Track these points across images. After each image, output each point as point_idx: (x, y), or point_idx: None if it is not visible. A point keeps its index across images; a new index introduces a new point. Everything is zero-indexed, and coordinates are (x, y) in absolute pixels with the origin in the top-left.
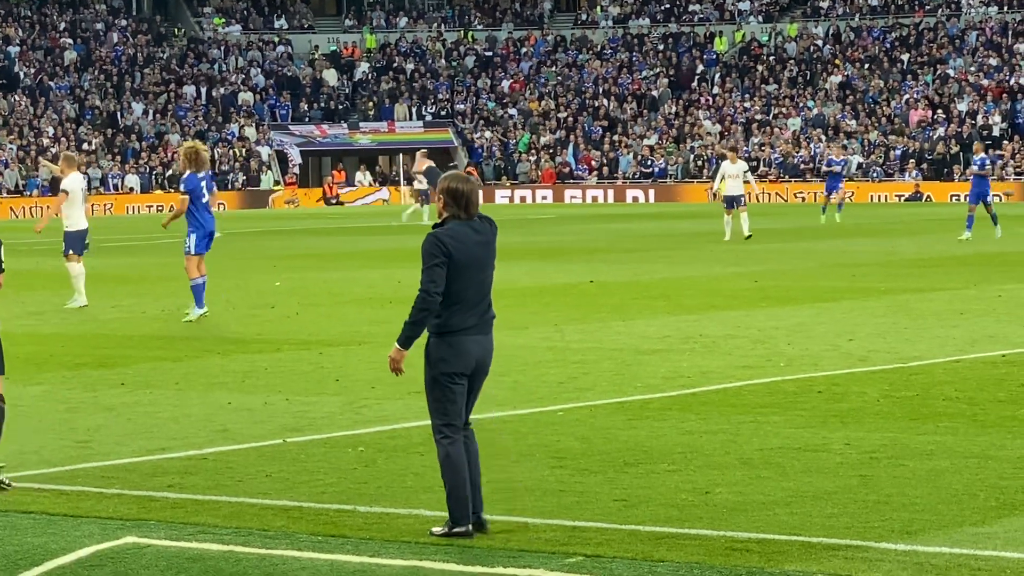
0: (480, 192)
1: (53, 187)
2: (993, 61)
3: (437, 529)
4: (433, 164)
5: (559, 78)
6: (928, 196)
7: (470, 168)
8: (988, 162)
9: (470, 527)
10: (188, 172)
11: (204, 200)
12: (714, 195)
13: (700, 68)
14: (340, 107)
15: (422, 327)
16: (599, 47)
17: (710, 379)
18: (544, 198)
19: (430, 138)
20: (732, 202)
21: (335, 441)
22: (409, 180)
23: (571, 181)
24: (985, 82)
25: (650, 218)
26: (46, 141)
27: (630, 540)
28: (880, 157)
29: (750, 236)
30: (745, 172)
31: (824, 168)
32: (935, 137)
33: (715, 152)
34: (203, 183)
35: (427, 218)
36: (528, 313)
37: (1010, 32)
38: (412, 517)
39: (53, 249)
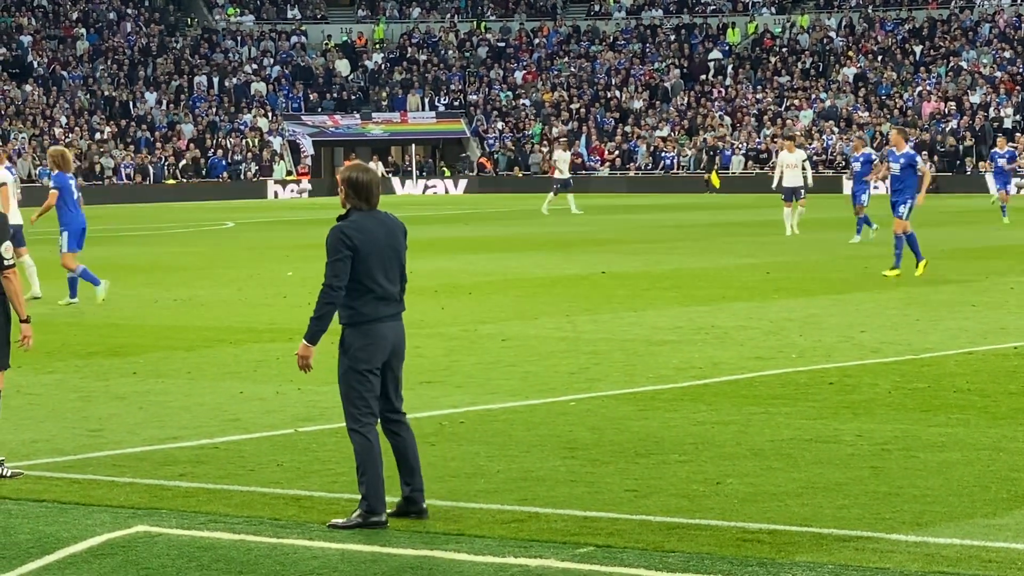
0: (380, 183)
1: None
2: (1007, 54)
3: (339, 520)
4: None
5: (572, 69)
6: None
7: (483, 159)
8: (875, 158)
9: (385, 516)
10: (57, 171)
11: (75, 197)
12: (775, 186)
13: (713, 59)
14: (353, 97)
15: (327, 321)
16: (612, 38)
17: (722, 370)
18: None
19: (442, 129)
20: (791, 194)
21: (346, 431)
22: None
23: (583, 172)
24: (998, 74)
25: (662, 209)
26: (58, 131)
27: (641, 530)
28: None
29: (795, 234)
30: (804, 161)
31: (992, 165)
32: (947, 130)
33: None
34: (72, 183)
35: (574, 207)
36: (540, 303)
37: (1023, 24)
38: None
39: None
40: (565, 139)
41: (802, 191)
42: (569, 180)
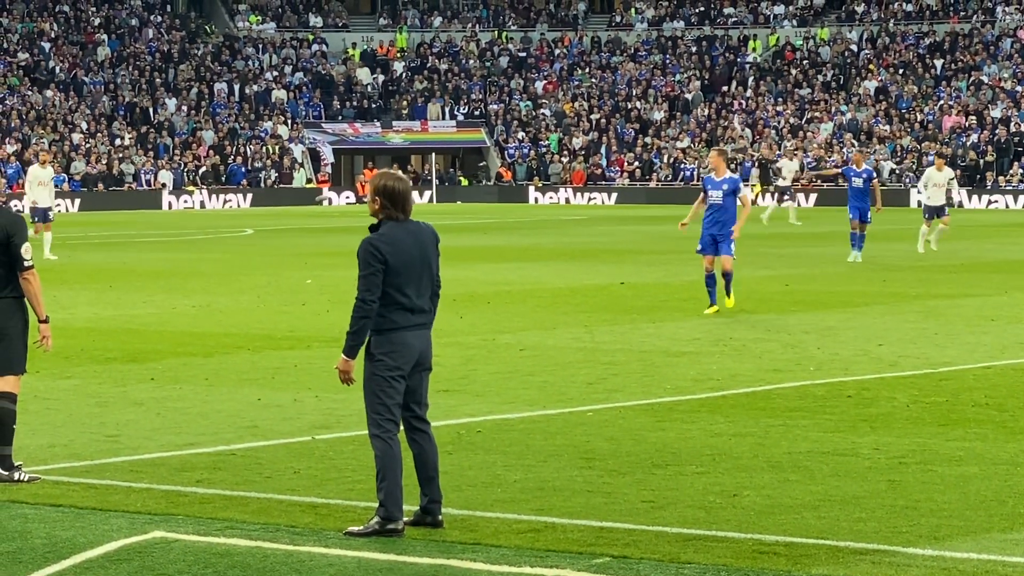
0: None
1: None
2: None
3: (355, 528)
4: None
5: (592, 80)
6: (960, 202)
7: (502, 169)
8: (875, 174)
9: (402, 524)
10: None
11: None
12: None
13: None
14: (373, 106)
15: (364, 335)
16: (633, 49)
17: (739, 382)
18: (576, 199)
19: (462, 138)
20: (934, 212)
21: (363, 439)
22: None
23: (602, 183)
24: (1019, 89)
25: (681, 220)
26: (78, 136)
27: (657, 541)
28: (913, 163)
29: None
30: (950, 180)
31: None
32: (968, 144)
33: (749, 156)
34: None
35: (793, 217)
36: (558, 314)
37: None
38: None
39: (85, 244)
40: (792, 148)
41: (946, 208)
42: (790, 188)
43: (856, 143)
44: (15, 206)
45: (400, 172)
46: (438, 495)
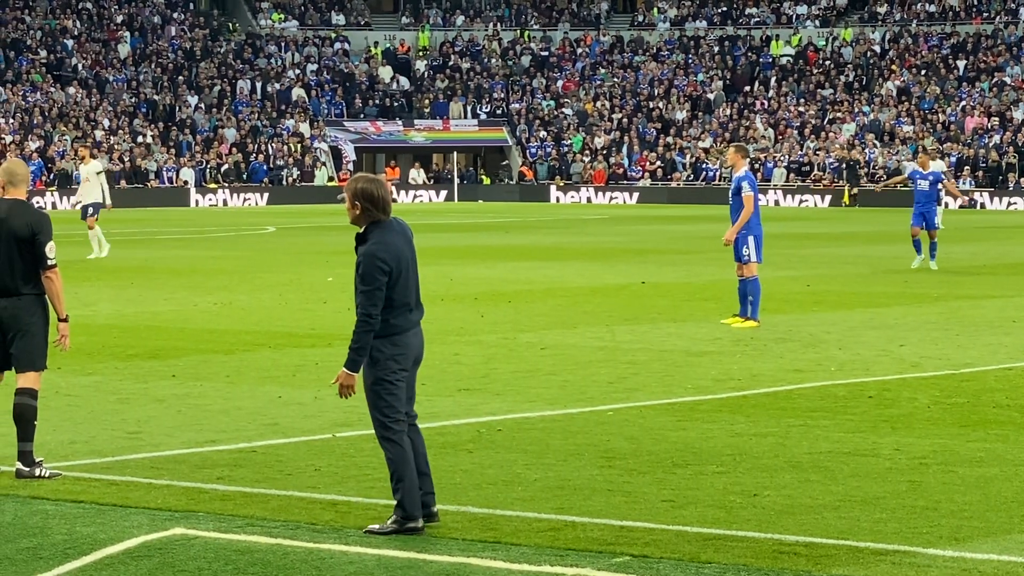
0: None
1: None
2: None
3: (375, 526)
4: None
5: (615, 79)
6: (982, 203)
7: (524, 168)
8: (943, 176)
9: (421, 523)
10: None
11: None
12: None
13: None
14: (395, 104)
15: (368, 349)
16: (655, 49)
17: (760, 382)
18: (598, 198)
19: (484, 137)
20: None
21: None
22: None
23: (624, 182)
24: None
25: (703, 220)
26: (100, 133)
27: (677, 541)
28: None
29: None
30: None
31: None
32: (990, 145)
33: (771, 156)
34: None
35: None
36: (579, 313)
37: None
38: (460, 514)
39: (108, 240)
40: (933, 148)
41: None
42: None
43: (877, 143)
44: (36, 203)
45: (373, 174)
46: (431, 487)
